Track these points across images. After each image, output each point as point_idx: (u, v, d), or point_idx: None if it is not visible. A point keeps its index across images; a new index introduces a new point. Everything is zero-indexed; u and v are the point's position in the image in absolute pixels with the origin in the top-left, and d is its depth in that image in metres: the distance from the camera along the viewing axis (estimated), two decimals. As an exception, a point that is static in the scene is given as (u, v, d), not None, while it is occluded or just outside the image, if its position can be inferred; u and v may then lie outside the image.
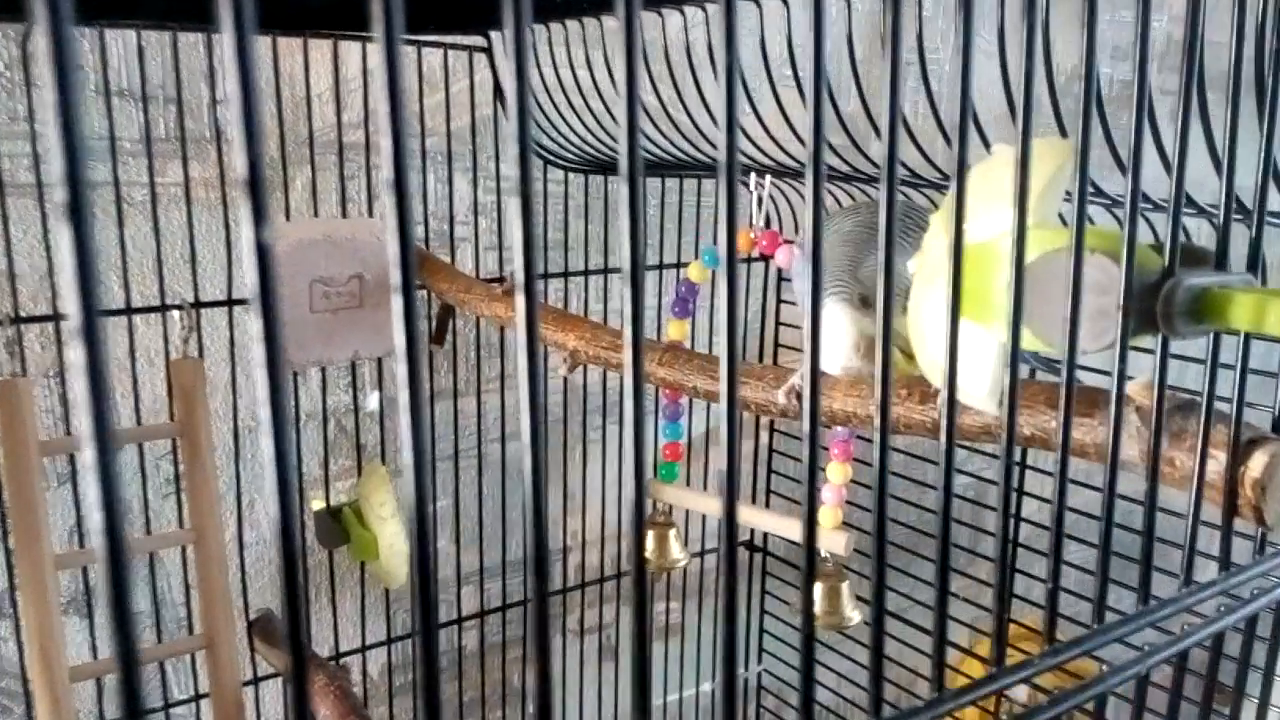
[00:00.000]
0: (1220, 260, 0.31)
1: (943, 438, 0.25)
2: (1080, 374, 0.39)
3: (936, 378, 0.40)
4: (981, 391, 0.37)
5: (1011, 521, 0.90)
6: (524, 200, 0.18)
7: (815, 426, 0.23)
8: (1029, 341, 0.34)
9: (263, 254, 0.15)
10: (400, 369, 0.17)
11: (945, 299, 0.39)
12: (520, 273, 0.20)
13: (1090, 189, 0.53)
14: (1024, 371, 0.65)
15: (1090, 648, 0.29)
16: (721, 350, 0.23)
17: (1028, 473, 0.94)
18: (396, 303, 0.18)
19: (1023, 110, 0.26)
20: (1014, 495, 0.94)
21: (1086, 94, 0.27)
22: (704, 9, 0.72)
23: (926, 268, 0.39)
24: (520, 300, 0.20)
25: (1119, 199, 0.55)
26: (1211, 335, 0.32)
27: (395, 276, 0.17)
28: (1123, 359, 0.29)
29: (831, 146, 0.70)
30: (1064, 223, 0.44)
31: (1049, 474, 0.80)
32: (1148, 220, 0.61)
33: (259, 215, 0.15)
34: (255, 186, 0.14)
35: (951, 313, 0.26)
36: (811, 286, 0.23)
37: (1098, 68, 0.27)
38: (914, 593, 1.02)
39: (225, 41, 0.15)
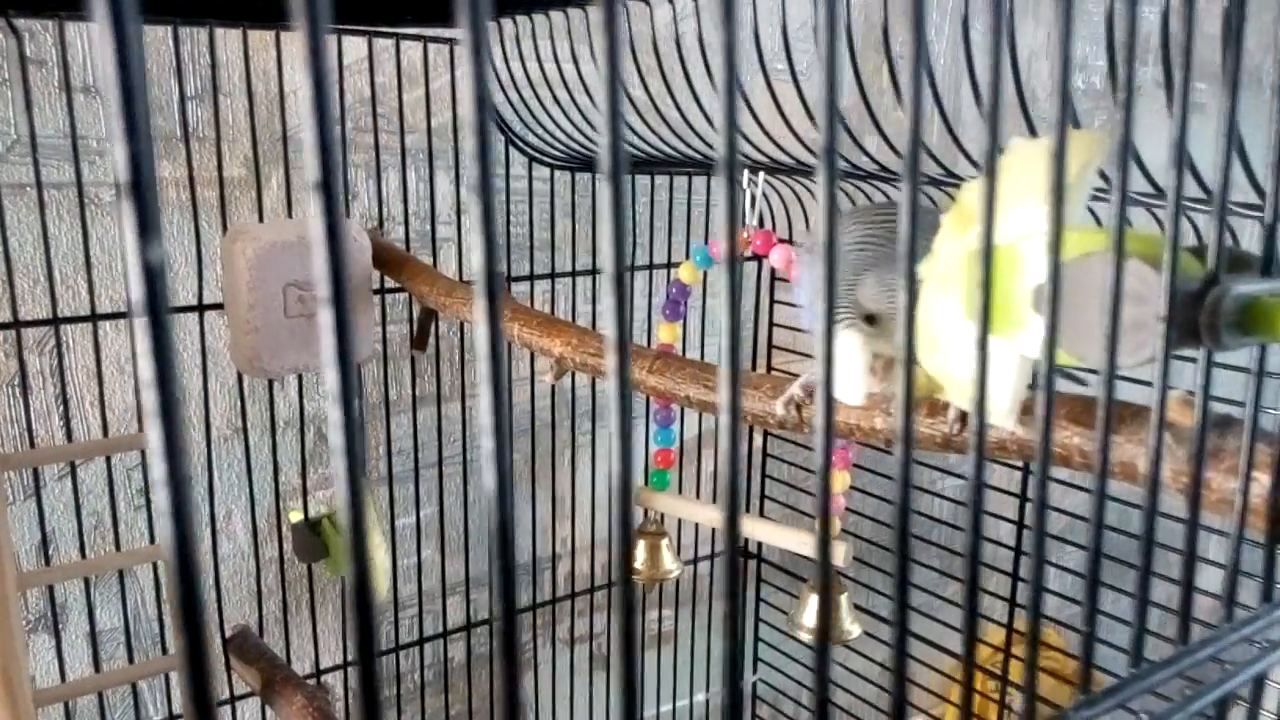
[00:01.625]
0: (1267, 265, 0.28)
1: (972, 470, 0.22)
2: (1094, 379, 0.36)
3: (950, 391, 0.38)
4: (1000, 407, 0.35)
5: (1016, 530, 0.88)
6: (485, 206, 0.15)
7: (828, 464, 0.20)
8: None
9: (151, 275, 0.12)
10: (333, 411, 0.14)
11: (958, 307, 0.36)
12: (482, 279, 0.17)
13: (1103, 185, 0.50)
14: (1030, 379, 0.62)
15: (1126, 697, 0.27)
16: (721, 382, 0.20)
17: (1029, 478, 0.92)
18: (326, 317, 0.15)
19: (1059, 97, 0.23)
20: (1012, 502, 0.91)
21: (1128, 83, 0.24)
22: (694, -1, 0.69)
23: (937, 272, 0.36)
24: (481, 307, 0.17)
25: (1140, 198, 0.52)
26: (1257, 347, 0.29)
27: (324, 290, 0.14)
28: (1164, 376, 0.26)
29: (808, 145, 0.67)
30: (1099, 222, 0.41)
31: (1055, 481, 0.77)
32: (1156, 218, 0.58)
33: (145, 228, 0.12)
34: (140, 191, 0.11)
35: (981, 326, 0.23)
36: (824, 310, 0.20)
37: (1135, 54, 0.24)
38: (910, 599, 0.99)
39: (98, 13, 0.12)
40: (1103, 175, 0.50)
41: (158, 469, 0.15)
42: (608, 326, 0.18)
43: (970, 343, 0.36)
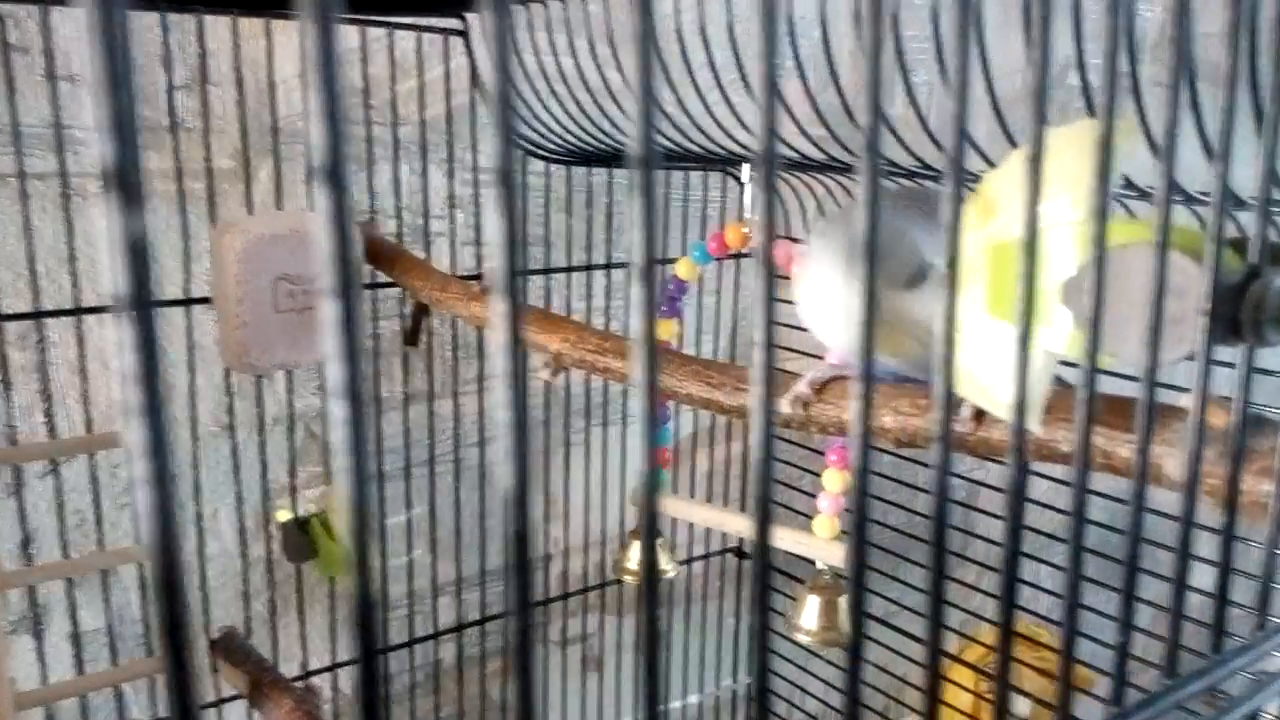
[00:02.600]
0: (1309, 259, 0.27)
1: (1011, 477, 0.21)
2: (1107, 382, 0.35)
3: (966, 388, 0.36)
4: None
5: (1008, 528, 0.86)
6: (507, 190, 0.14)
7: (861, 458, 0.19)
8: (1077, 349, 0.30)
9: (136, 252, 0.10)
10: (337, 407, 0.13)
11: (980, 301, 0.35)
12: (500, 272, 0.16)
13: (1122, 181, 0.49)
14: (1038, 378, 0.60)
15: (1162, 708, 0.26)
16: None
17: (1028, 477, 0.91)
18: (331, 310, 0.13)
19: (1107, 82, 0.22)
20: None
21: (1176, 68, 0.22)
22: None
23: (957, 266, 0.35)
24: (499, 305, 0.16)
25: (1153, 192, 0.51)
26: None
27: (329, 280, 0.13)
28: (1205, 373, 0.25)
29: (811, 139, 0.66)
30: (1132, 215, 0.40)
31: (1048, 478, 0.75)
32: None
33: (129, 197, 0.10)
34: (124, 162, 0.10)
35: (1022, 324, 0.22)
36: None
37: (1190, 37, 0.23)
38: (903, 598, 0.98)
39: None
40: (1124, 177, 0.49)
41: (139, 468, 0.14)
42: (635, 319, 0.16)
43: (991, 338, 0.34)
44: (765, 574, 0.19)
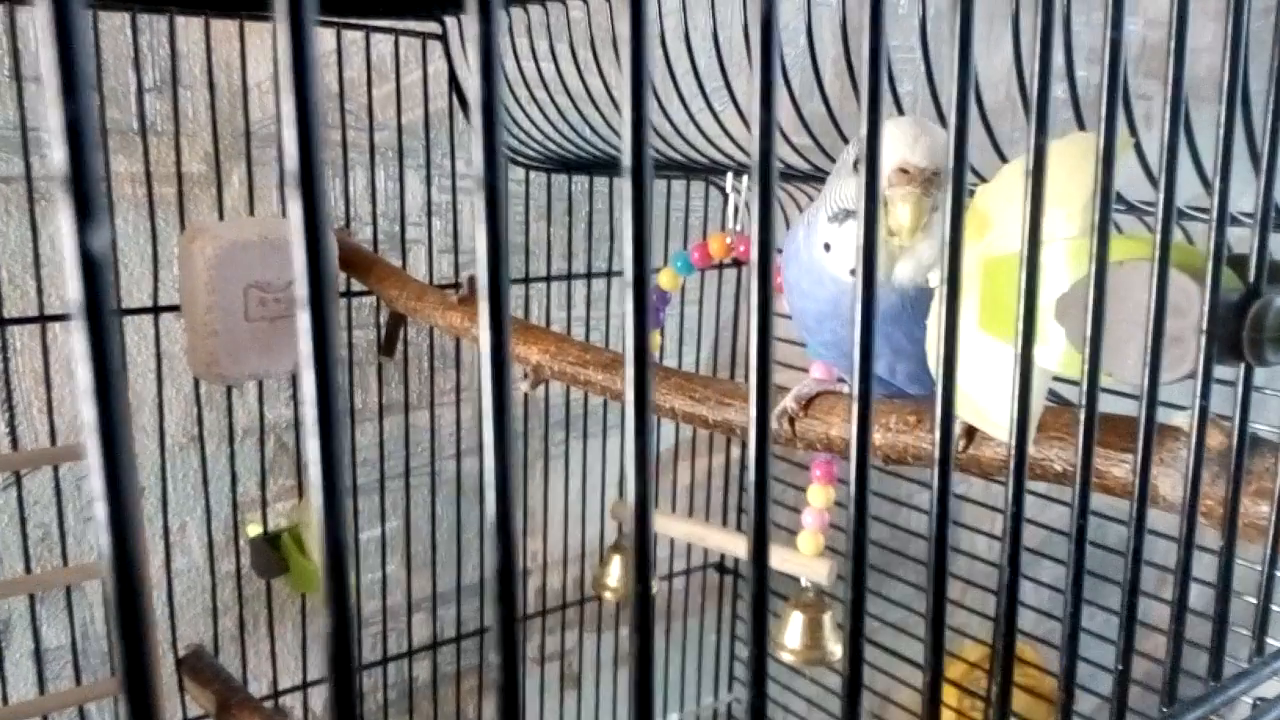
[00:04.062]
0: (1310, 276, 0.26)
1: (1009, 499, 0.20)
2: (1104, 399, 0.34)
3: (957, 405, 0.35)
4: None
5: (999, 545, 0.86)
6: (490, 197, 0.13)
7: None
8: (1071, 367, 0.29)
9: (89, 264, 0.09)
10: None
11: (972, 317, 0.34)
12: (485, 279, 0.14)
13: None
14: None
15: (1163, 740, 0.25)
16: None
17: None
18: (304, 320, 0.12)
19: (1107, 96, 0.21)
20: (989, 515, 0.89)
21: (1176, 85, 0.22)
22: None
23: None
24: (484, 311, 0.15)
25: (1145, 206, 0.50)
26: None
27: (302, 290, 0.11)
28: (1205, 394, 0.24)
29: (795, 147, 0.65)
30: (1118, 230, 0.39)
31: (1033, 494, 0.74)
32: (1147, 226, 0.57)
33: (86, 211, 0.09)
34: (80, 168, 0.09)
35: (1022, 349, 0.21)
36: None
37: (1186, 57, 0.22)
38: (885, 614, 0.97)
39: None
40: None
41: (97, 484, 0.12)
42: (628, 333, 0.15)
43: (982, 354, 0.34)
44: (762, 601, 0.18)
